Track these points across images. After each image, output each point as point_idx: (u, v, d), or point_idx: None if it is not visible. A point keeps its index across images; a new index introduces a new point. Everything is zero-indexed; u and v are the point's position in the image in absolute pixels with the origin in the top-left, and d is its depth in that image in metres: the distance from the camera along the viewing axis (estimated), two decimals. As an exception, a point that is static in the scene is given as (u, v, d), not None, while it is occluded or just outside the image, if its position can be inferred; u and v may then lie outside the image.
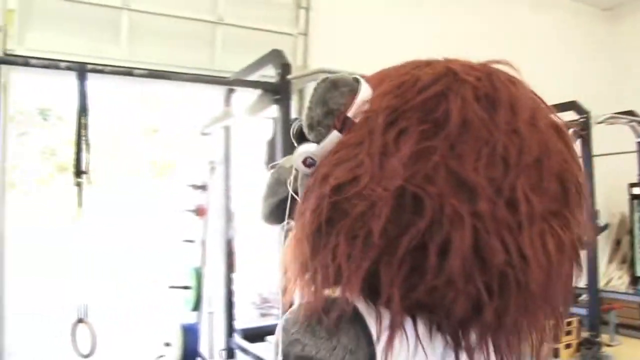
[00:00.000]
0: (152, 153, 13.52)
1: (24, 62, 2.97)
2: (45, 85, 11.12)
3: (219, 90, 4.25)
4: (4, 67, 3.76)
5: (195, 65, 4.53)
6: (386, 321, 0.72)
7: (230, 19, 4.81)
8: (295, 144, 0.89)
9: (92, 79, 2.90)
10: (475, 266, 0.68)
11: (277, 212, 0.94)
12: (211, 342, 4.76)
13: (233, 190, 4.44)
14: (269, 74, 3.68)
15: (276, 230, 1.02)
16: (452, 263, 0.67)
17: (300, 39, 5.36)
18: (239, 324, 4.58)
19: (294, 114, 3.62)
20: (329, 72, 2.97)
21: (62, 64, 2.93)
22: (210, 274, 4.80)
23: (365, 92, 0.82)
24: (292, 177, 0.91)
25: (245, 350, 4.24)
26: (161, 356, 4.75)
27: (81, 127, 2.83)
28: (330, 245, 0.73)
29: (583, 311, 4.40)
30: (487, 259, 0.68)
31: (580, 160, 0.84)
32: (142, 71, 3.06)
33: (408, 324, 0.73)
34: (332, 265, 0.73)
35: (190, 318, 4.74)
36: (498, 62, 0.84)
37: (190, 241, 4.88)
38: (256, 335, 4.65)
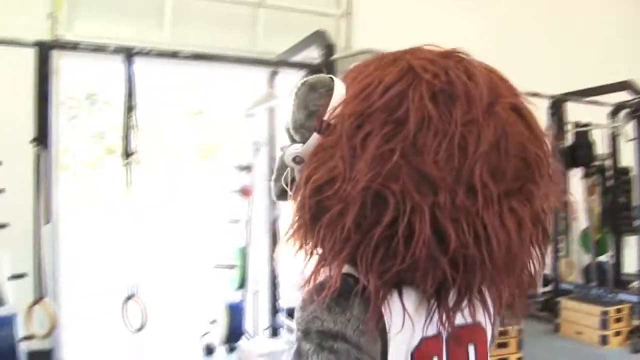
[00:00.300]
0: (196, 135, 13.73)
1: (74, 46, 3.06)
2: (93, 71, 11.41)
3: (263, 72, 4.28)
4: (55, 53, 3.85)
5: (237, 48, 4.57)
6: (377, 292, 0.83)
7: (272, 1, 4.83)
8: (289, 139, 0.98)
9: (138, 63, 2.97)
10: (438, 250, 0.78)
11: (286, 194, 1.00)
12: (256, 320, 4.85)
13: (277, 171, 4.45)
14: (313, 55, 3.68)
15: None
16: (417, 249, 0.78)
17: (342, 20, 5.33)
18: (283, 302, 4.65)
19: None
20: (374, 51, 2.95)
21: (110, 48, 2.99)
22: (255, 253, 4.87)
23: (340, 91, 0.89)
24: (286, 172, 0.97)
25: (290, 329, 4.30)
26: (207, 333, 4.85)
27: (129, 109, 2.90)
28: (316, 236, 0.85)
29: (634, 298, 4.29)
30: (448, 243, 0.78)
31: (548, 135, 0.92)
32: (186, 53, 3.10)
33: (394, 292, 0.85)
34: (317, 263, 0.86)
35: (236, 296, 4.84)
36: (456, 51, 0.90)
37: (236, 221, 4.96)
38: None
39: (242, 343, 3.87)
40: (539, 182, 0.86)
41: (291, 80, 3.50)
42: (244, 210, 4.87)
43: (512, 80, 0.93)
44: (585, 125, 5.31)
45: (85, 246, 10.15)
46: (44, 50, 2.85)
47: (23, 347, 4.17)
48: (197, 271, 7.52)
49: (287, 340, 3.89)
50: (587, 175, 5.63)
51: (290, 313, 4.63)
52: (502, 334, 4.25)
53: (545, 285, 5.90)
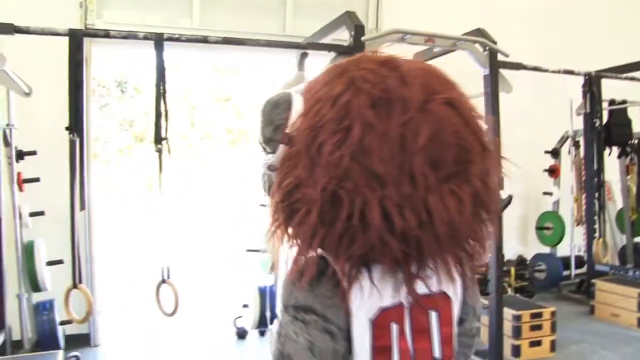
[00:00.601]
0: (226, 121, 13.79)
1: (105, 34, 3.08)
2: (123, 59, 11.52)
3: (291, 56, 4.26)
4: (86, 41, 3.88)
5: (266, 32, 4.55)
6: (348, 274, 1.00)
7: (300, -16, 4.80)
8: (263, 151, 1.16)
9: (168, 49, 2.98)
10: (388, 233, 0.94)
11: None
12: (288, 304, 4.88)
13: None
14: (341, 37, 3.64)
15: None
16: (370, 235, 0.94)
17: (371, 1, 5.27)
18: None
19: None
20: (403, 32, 2.91)
21: (140, 34, 3.00)
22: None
23: (297, 106, 1.06)
24: (264, 179, 1.17)
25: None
26: (239, 317, 4.90)
27: (160, 95, 2.91)
28: (291, 234, 1.01)
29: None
30: (397, 227, 0.93)
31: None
32: (216, 38, 3.09)
33: (364, 273, 1.00)
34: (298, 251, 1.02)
35: (267, 280, 4.87)
36: (392, 58, 1.04)
37: (266, 205, 4.95)
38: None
39: (274, 327, 3.89)
40: (477, 162, 1.00)
41: (321, 63, 3.47)
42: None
43: (447, 75, 1.07)
44: (622, 102, 5.18)
45: (116, 232, 10.31)
46: (77, 39, 2.87)
47: (61, 331, 4.28)
48: (229, 256, 7.60)
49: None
50: (623, 154, 5.50)
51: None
52: (536, 316, 4.20)
53: (579, 267, 5.81)
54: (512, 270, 5.47)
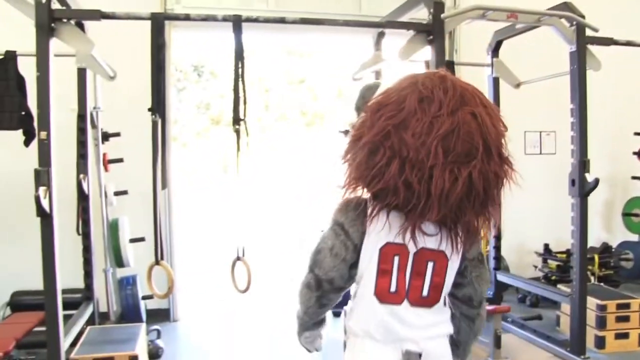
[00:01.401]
0: (300, 103, 13.87)
1: (185, 16, 3.13)
2: (199, 44, 11.76)
3: (367, 37, 4.20)
4: (166, 26, 3.97)
5: (342, 12, 4.51)
6: (373, 210, 1.47)
7: (375, -37, 4.71)
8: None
9: (244, 31, 2.99)
10: (401, 182, 1.37)
11: None
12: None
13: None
14: (418, 16, 3.56)
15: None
16: (389, 178, 1.38)
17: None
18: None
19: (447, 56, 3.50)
20: (484, 8, 2.79)
21: (219, 16, 3.03)
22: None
23: (379, 91, 1.53)
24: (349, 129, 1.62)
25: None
26: (314, 298, 4.94)
27: (238, 76, 2.93)
28: (348, 168, 1.48)
29: None
30: (405, 177, 1.37)
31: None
32: (294, 18, 3.08)
33: (383, 213, 1.46)
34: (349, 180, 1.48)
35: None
36: (443, 73, 1.47)
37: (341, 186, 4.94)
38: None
39: (347, 308, 3.88)
40: (480, 160, 1.39)
41: (398, 42, 3.39)
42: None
43: (482, 94, 1.47)
44: None
45: (193, 213, 10.60)
46: (159, 22, 2.93)
47: (143, 306, 4.45)
48: (303, 236, 7.67)
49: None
50: None
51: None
52: (623, 307, 4.00)
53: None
54: (596, 257, 5.23)
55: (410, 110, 1.39)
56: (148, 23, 2.96)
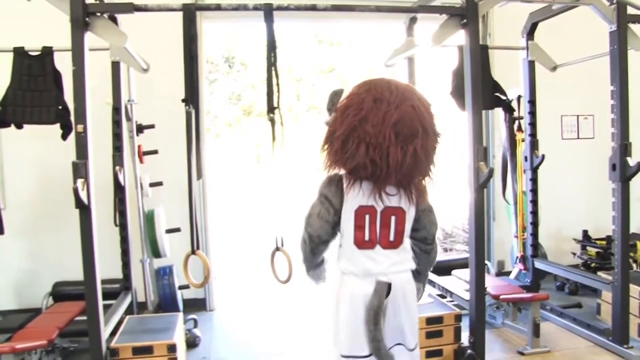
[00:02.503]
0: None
1: (217, 6, 3.12)
2: (229, 36, 11.80)
3: (399, 22, 4.15)
4: (197, 17, 3.98)
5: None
6: (349, 182, 2.07)
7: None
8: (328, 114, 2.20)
9: (275, 20, 2.97)
10: (367, 161, 1.97)
11: None
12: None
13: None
14: (451, 0, 3.49)
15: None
16: (358, 159, 1.98)
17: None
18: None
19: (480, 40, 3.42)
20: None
21: (250, 5, 3.02)
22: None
23: (344, 96, 2.11)
24: (325, 124, 2.17)
25: (432, 282, 4.25)
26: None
27: (271, 64, 2.92)
28: (328, 155, 2.07)
29: None
30: (370, 156, 1.96)
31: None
32: (325, 5, 3.05)
33: (357, 183, 2.06)
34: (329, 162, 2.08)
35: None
36: (388, 79, 2.12)
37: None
38: (440, 268, 4.62)
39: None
40: (419, 138, 1.99)
41: (430, 28, 3.34)
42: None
43: (417, 90, 2.11)
44: None
45: (228, 203, 10.69)
46: (191, 13, 2.93)
47: (179, 295, 4.51)
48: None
49: (429, 294, 3.84)
50: None
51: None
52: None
53: None
54: (638, 244, 5.09)
55: (369, 109, 2.00)
56: (179, 14, 2.97)
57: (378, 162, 1.97)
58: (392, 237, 2.13)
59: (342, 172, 2.10)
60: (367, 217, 2.11)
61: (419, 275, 2.33)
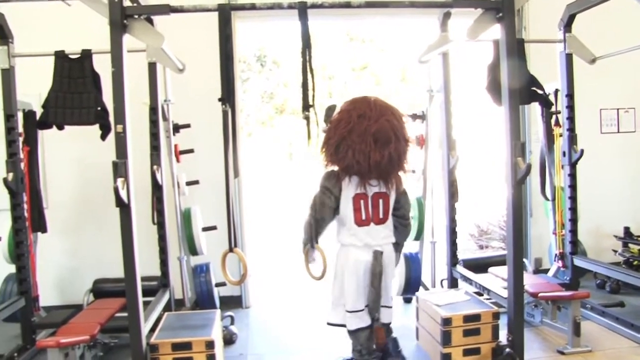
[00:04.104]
0: (363, 89, 13.79)
1: (251, 6, 3.14)
2: (262, 35, 11.88)
3: (433, 18, 4.12)
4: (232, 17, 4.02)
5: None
6: (344, 177, 2.92)
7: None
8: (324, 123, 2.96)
9: (309, 18, 2.97)
10: (355, 162, 2.81)
11: None
12: (433, 271, 4.81)
13: (453, 118, 4.31)
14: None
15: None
16: (348, 161, 2.84)
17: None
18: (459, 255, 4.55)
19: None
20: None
21: (285, 4, 3.03)
22: (432, 203, 4.80)
23: (337, 111, 2.93)
24: (322, 132, 2.96)
25: (469, 280, 4.21)
26: (384, 284, 4.92)
27: (306, 62, 2.93)
28: (326, 155, 2.93)
29: None
30: (357, 159, 2.80)
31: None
32: (359, 2, 3.04)
33: (348, 177, 2.91)
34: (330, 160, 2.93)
35: (413, 247, 4.83)
36: (370, 97, 2.95)
37: (411, 171, 4.89)
38: (477, 266, 4.58)
39: (420, 294, 3.85)
40: (393, 143, 2.83)
41: (464, 23, 3.30)
42: (419, 160, 4.81)
43: (393, 106, 2.93)
44: None
45: (262, 201, 10.76)
46: (226, 13, 2.96)
47: (216, 293, 4.56)
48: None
49: (466, 291, 3.80)
50: None
51: (467, 264, 4.53)
52: None
53: None
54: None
55: (354, 123, 2.80)
56: (212, 15, 3.00)
57: (362, 163, 2.81)
58: (381, 215, 3.00)
59: (337, 168, 2.93)
60: (362, 202, 2.94)
61: (397, 246, 3.14)
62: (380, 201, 2.96)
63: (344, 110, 2.86)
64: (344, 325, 3.03)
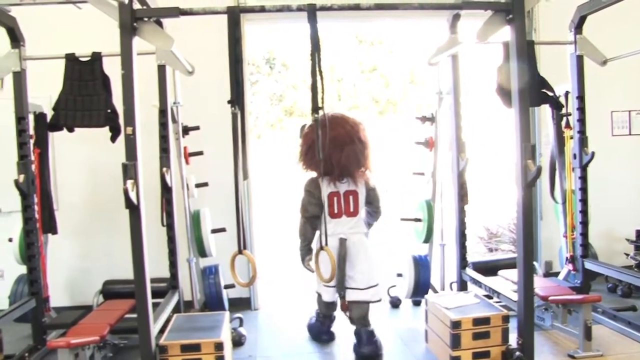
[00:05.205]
0: (372, 91, 13.78)
1: (261, 8, 3.15)
2: (270, 37, 11.90)
3: (442, 19, 4.11)
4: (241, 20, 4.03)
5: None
6: (321, 179, 3.67)
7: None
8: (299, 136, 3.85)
9: (319, 20, 2.97)
10: (323, 163, 3.37)
11: None
12: (442, 274, 4.79)
13: (463, 120, 4.31)
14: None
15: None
16: (317, 164, 3.54)
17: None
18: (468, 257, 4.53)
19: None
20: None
21: (294, 6, 3.03)
22: (441, 206, 4.78)
23: (307, 126, 3.77)
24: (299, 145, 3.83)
25: (478, 283, 4.19)
26: (393, 286, 4.91)
27: (315, 64, 2.92)
28: (303, 164, 3.77)
29: None
30: (325, 160, 3.45)
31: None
32: (368, 4, 3.04)
33: (322, 179, 3.65)
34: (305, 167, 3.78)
35: (422, 250, 4.82)
36: (334, 113, 3.72)
37: (421, 174, 4.90)
38: (486, 269, 4.55)
39: (429, 297, 3.83)
40: (348, 145, 3.59)
41: (472, 25, 3.29)
42: (428, 162, 4.80)
43: (349, 117, 3.74)
44: None
45: (271, 202, 10.76)
46: (235, 15, 2.97)
47: (225, 294, 4.56)
48: (383, 224, 7.63)
49: (475, 294, 3.78)
50: None
51: (477, 267, 4.51)
52: None
53: None
54: None
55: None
56: (221, 17, 3.00)
57: (329, 163, 3.51)
58: (352, 209, 3.69)
59: (315, 174, 3.71)
60: (335, 198, 3.68)
61: (369, 226, 3.97)
62: (351, 197, 3.70)
63: (311, 125, 3.50)
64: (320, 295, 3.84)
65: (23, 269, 4.00)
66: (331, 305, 3.91)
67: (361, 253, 3.65)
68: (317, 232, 3.60)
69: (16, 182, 3.65)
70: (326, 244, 3.16)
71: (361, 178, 3.71)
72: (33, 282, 3.82)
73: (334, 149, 3.51)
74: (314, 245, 3.74)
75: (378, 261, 3.82)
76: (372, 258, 3.72)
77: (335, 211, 3.67)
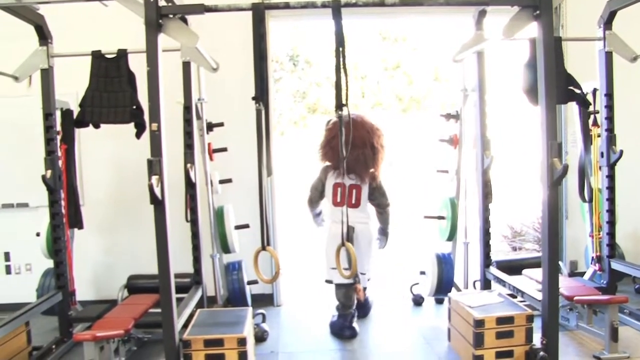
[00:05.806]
0: (396, 89, 13.72)
1: (285, 5, 3.14)
2: (294, 34, 11.92)
3: (467, 16, 4.07)
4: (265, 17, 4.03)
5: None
6: (329, 169, 4.16)
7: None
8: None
9: (343, 17, 2.97)
10: (336, 160, 3.94)
11: None
12: (466, 273, 4.75)
13: (488, 117, 4.27)
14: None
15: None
16: (329, 159, 4.12)
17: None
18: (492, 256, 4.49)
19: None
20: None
21: (318, 3, 3.02)
22: (465, 204, 4.74)
23: (331, 124, 4.15)
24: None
25: (502, 282, 4.14)
26: (416, 284, 4.89)
27: (339, 61, 2.92)
28: (321, 154, 4.15)
29: None
30: (337, 158, 3.86)
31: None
32: (393, 1, 3.01)
33: (332, 170, 4.13)
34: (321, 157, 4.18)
35: (445, 248, 4.79)
36: (355, 113, 3.90)
37: (445, 171, 4.87)
38: (510, 267, 4.50)
39: (452, 295, 3.81)
40: (363, 148, 3.96)
41: (498, 21, 3.25)
42: (453, 160, 4.77)
43: (369, 119, 4.13)
44: None
45: (294, 199, 10.76)
46: (260, 11, 2.97)
47: (248, 290, 4.58)
48: (407, 222, 7.60)
49: (499, 293, 3.75)
50: None
51: (501, 266, 4.46)
52: None
53: None
54: None
55: (336, 133, 3.62)
56: (246, 14, 3.01)
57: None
58: (354, 201, 4.03)
59: (329, 163, 4.11)
60: (339, 189, 4.03)
61: (382, 230, 4.34)
62: (354, 191, 4.05)
63: (334, 122, 4.02)
64: (331, 282, 4.08)
65: (50, 263, 4.08)
66: (346, 291, 4.04)
67: (363, 242, 4.03)
68: (328, 212, 4.19)
69: (43, 178, 3.71)
70: (347, 239, 3.18)
71: (367, 176, 4.05)
72: (59, 275, 3.89)
73: (347, 149, 3.62)
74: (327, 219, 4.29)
75: (373, 254, 4.24)
76: (366, 248, 4.07)
77: (338, 200, 4.03)
